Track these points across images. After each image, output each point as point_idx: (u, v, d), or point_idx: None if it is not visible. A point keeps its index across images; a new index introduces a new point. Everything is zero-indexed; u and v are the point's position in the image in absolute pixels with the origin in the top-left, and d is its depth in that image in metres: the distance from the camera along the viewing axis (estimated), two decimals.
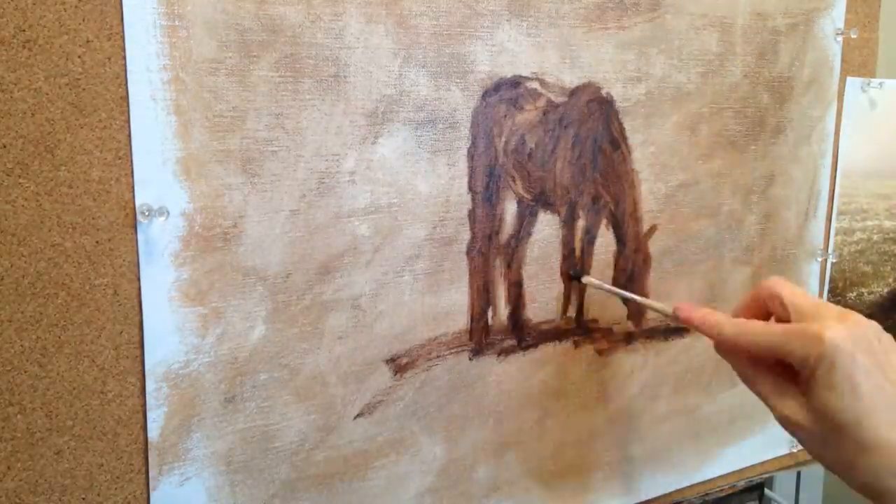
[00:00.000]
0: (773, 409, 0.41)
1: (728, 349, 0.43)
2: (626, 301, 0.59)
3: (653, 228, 0.59)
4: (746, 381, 0.43)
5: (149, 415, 0.42)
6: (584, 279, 0.55)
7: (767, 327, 0.41)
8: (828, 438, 0.38)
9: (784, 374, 0.41)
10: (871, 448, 0.37)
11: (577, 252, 0.56)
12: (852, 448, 0.37)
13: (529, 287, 0.54)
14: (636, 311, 0.60)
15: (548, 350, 0.56)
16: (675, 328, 0.62)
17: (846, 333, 0.38)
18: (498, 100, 0.50)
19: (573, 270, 0.56)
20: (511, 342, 0.54)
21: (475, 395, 0.53)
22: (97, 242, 0.40)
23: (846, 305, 0.72)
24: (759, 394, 0.42)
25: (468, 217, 0.51)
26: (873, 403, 0.37)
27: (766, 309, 0.43)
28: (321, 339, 0.47)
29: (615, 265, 0.58)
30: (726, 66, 0.60)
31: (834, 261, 0.71)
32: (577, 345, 0.57)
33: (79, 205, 0.39)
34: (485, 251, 0.52)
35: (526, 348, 0.55)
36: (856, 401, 0.37)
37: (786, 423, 0.40)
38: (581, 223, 0.56)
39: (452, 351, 0.52)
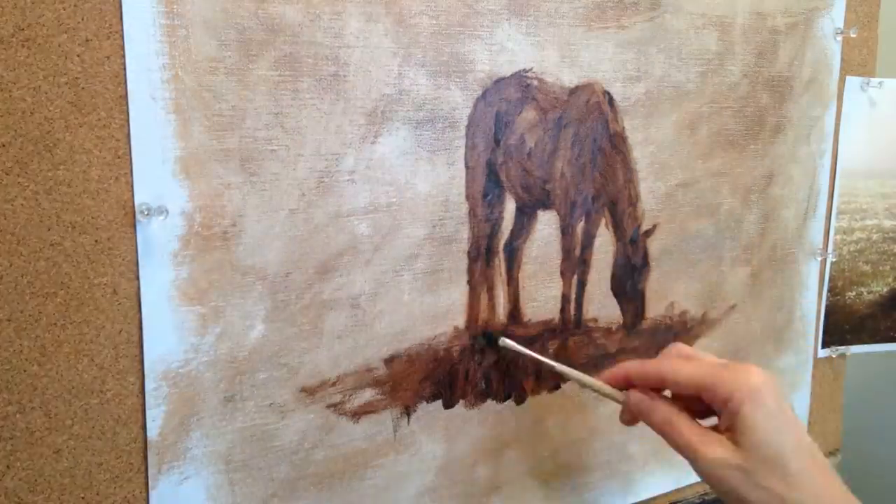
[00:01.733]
0: (700, 455, 0.41)
1: (647, 402, 0.45)
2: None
3: (653, 227, 0.59)
4: (668, 430, 0.43)
5: (148, 414, 0.42)
6: (501, 342, 0.51)
7: (698, 365, 0.43)
8: (758, 475, 0.39)
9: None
10: (797, 483, 0.39)
11: (577, 252, 0.56)
12: (781, 483, 0.39)
13: (529, 286, 0.54)
14: (634, 314, 0.59)
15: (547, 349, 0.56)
16: (676, 328, 0.62)
17: (768, 375, 0.41)
18: (498, 99, 0.50)
19: (485, 333, 0.51)
20: None
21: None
22: (96, 241, 0.40)
23: (846, 304, 0.72)
24: (684, 443, 0.42)
25: (468, 216, 0.51)
26: (792, 439, 0.40)
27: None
28: (320, 338, 0.47)
29: (614, 264, 0.58)
30: (726, 65, 0.60)
31: (833, 260, 0.71)
32: (576, 344, 0.57)
33: (78, 204, 0.39)
34: (484, 250, 0.52)
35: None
36: (781, 435, 0.40)
37: (716, 465, 0.40)
38: (580, 222, 0.56)
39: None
